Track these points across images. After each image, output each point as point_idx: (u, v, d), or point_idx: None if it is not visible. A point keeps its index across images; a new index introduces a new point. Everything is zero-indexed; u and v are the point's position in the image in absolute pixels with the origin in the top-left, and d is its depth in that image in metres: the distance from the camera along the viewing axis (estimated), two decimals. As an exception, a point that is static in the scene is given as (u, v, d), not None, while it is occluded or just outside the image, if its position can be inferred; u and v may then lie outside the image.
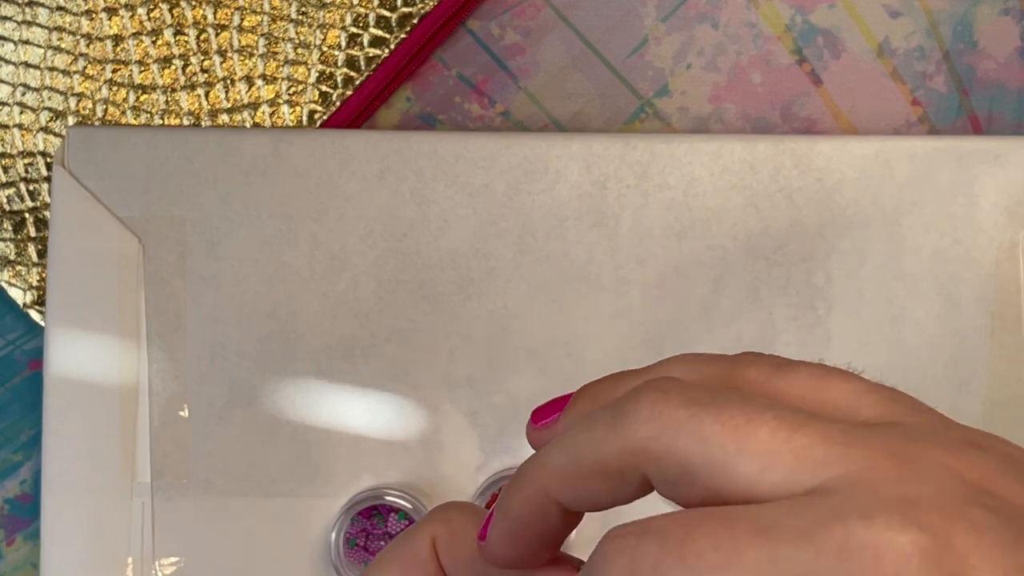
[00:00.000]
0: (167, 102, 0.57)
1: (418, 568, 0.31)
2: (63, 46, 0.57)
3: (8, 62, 0.57)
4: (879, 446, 0.23)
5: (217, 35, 0.57)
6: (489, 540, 0.28)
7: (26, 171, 0.57)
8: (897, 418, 0.25)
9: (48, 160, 0.57)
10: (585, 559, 0.26)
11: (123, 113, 0.57)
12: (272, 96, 0.57)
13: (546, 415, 0.30)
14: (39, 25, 0.57)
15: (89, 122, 0.57)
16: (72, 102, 0.57)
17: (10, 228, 0.57)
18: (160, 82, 0.57)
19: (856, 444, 0.23)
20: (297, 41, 0.57)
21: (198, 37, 0.57)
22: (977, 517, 0.22)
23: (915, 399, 0.26)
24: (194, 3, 0.57)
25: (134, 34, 0.57)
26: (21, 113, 0.57)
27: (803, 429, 0.23)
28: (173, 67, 0.57)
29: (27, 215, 0.57)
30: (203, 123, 0.57)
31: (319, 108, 0.57)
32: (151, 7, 0.57)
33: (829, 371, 0.26)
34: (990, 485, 0.23)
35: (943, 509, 0.22)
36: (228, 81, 0.57)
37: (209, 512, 0.54)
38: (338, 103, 0.57)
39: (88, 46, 0.57)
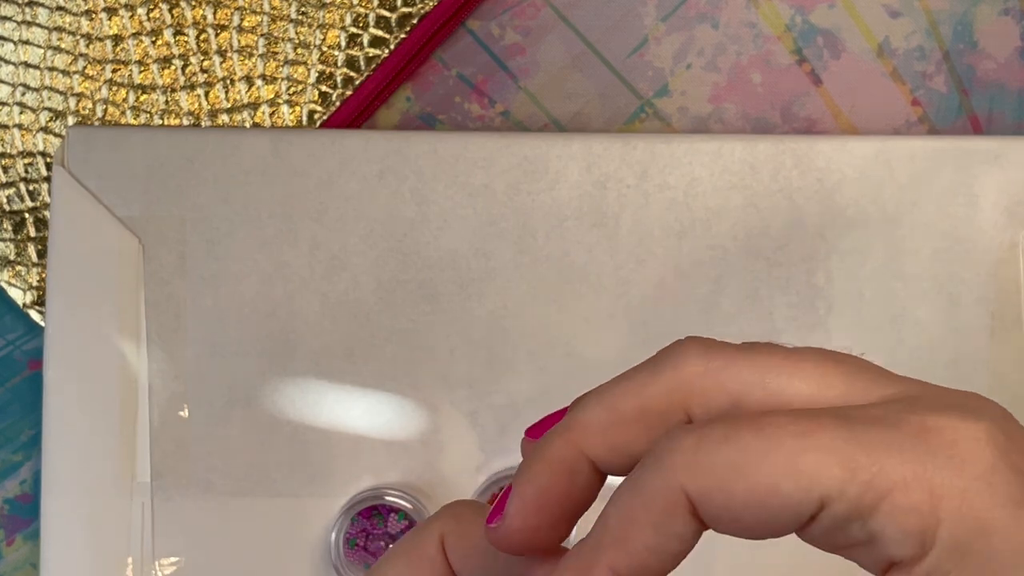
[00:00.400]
0: (167, 102, 0.57)
1: (426, 564, 0.30)
2: (63, 46, 0.57)
3: (8, 62, 0.57)
4: (918, 381, 0.25)
5: (217, 35, 0.57)
6: (506, 516, 0.27)
7: (26, 171, 0.57)
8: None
9: (48, 160, 0.57)
10: None
11: (123, 113, 0.57)
12: (272, 96, 0.57)
13: (541, 429, 0.29)
14: (39, 25, 0.57)
15: (89, 122, 0.57)
16: (72, 102, 0.57)
17: (10, 228, 0.57)
18: (160, 82, 0.57)
19: (899, 378, 0.25)
20: (297, 41, 0.57)
21: (198, 37, 0.57)
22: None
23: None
24: (194, 3, 0.57)
25: (134, 34, 0.57)
26: (21, 113, 0.57)
27: (848, 360, 0.25)
28: (173, 67, 0.57)
29: (27, 215, 0.57)
30: (203, 123, 0.57)
31: (319, 108, 0.57)
32: (151, 7, 0.57)
33: (826, 354, 0.27)
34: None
35: (996, 417, 0.24)
36: (228, 81, 0.57)
37: (209, 512, 0.54)
38: (338, 103, 0.57)
39: (88, 46, 0.57)
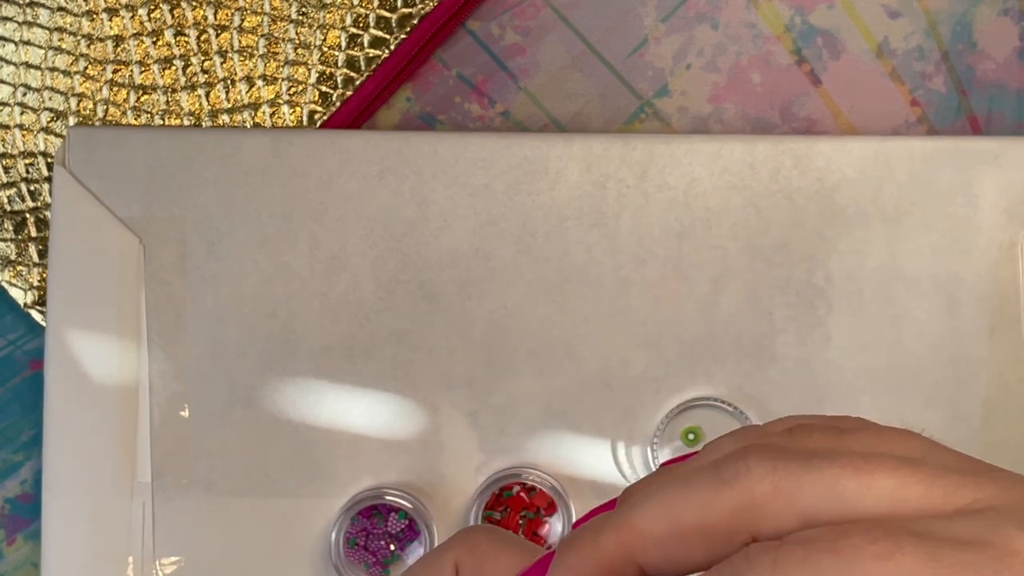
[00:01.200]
0: (168, 102, 0.57)
1: None
2: (64, 47, 0.57)
3: (9, 62, 0.57)
4: (1001, 476, 0.24)
5: (217, 36, 0.57)
6: None
7: (27, 171, 0.57)
8: (976, 469, 0.25)
9: (49, 160, 0.57)
10: None
11: (124, 113, 0.57)
12: (272, 96, 0.57)
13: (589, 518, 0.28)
14: (40, 26, 0.57)
15: (90, 122, 0.57)
16: (73, 102, 0.57)
17: (11, 228, 0.57)
18: (161, 82, 0.57)
19: (981, 475, 0.24)
20: (297, 42, 0.57)
21: (199, 38, 0.57)
22: None
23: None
24: (195, 4, 0.57)
25: (135, 35, 0.57)
26: (22, 113, 0.57)
27: (923, 466, 0.24)
28: (174, 67, 0.57)
29: (28, 215, 0.57)
30: (203, 123, 0.57)
31: (319, 108, 0.57)
32: (152, 8, 0.57)
33: (894, 430, 0.26)
34: None
35: None
36: (228, 81, 0.57)
37: (209, 512, 0.54)
38: (338, 103, 0.57)
39: (89, 47, 0.57)
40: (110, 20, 0.57)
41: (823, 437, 0.26)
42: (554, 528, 0.54)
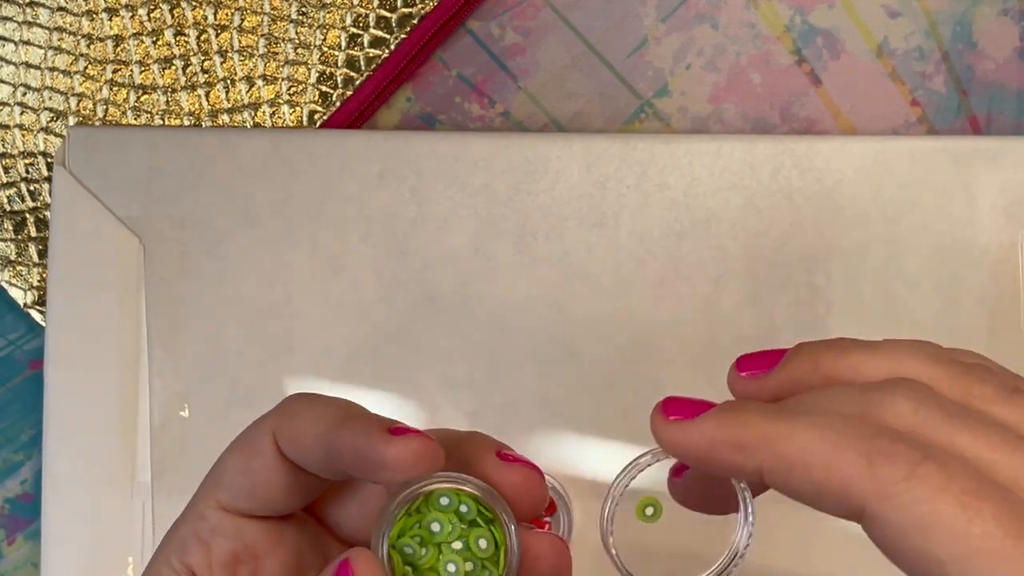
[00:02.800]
0: (168, 102, 0.57)
1: (258, 458, 0.33)
2: (64, 46, 0.57)
3: (9, 62, 0.57)
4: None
5: (217, 35, 0.57)
6: (695, 429, 0.29)
7: (27, 171, 0.57)
8: None
9: (49, 160, 0.57)
10: None
11: (124, 113, 0.57)
12: (272, 96, 0.57)
13: (754, 367, 0.32)
14: (40, 26, 0.57)
15: (90, 122, 0.57)
16: (73, 102, 0.57)
17: (11, 228, 0.57)
18: (161, 82, 0.57)
19: None
20: (297, 41, 0.57)
21: (198, 37, 0.57)
22: None
23: None
24: (195, 4, 0.57)
25: (135, 34, 0.57)
26: (22, 113, 0.57)
27: (1021, 525, 0.26)
28: (173, 67, 0.57)
29: (28, 215, 0.57)
30: (203, 123, 0.57)
31: (319, 108, 0.57)
32: (152, 8, 0.57)
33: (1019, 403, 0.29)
34: None
35: None
36: (228, 81, 0.57)
37: (209, 512, 0.54)
38: (338, 103, 0.57)
39: (89, 46, 0.57)
40: (110, 20, 0.57)
41: (994, 391, 0.29)
42: (554, 528, 0.54)
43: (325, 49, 0.57)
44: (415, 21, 0.57)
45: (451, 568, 0.32)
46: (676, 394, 0.31)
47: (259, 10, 0.57)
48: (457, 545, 0.32)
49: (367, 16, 0.57)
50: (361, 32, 0.57)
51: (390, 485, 0.32)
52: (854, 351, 0.31)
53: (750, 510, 0.30)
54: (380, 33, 0.57)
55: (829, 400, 0.28)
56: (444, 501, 0.32)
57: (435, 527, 0.32)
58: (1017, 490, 0.26)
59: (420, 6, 0.57)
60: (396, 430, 0.31)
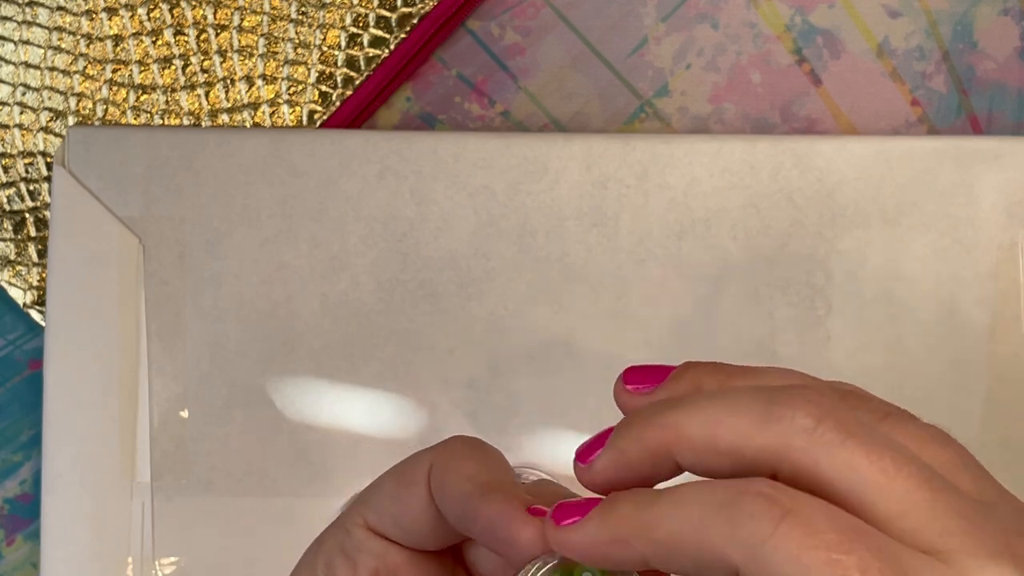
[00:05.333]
0: (167, 102, 0.57)
1: (410, 488, 0.33)
2: (63, 46, 0.57)
3: (8, 62, 0.57)
4: (991, 529, 0.27)
5: (217, 35, 0.57)
6: (593, 467, 0.31)
7: (26, 171, 0.57)
8: (990, 498, 0.28)
9: (48, 160, 0.57)
10: None
11: (123, 113, 0.57)
12: (272, 96, 0.57)
13: (640, 381, 0.33)
14: (39, 25, 0.57)
15: (89, 122, 0.57)
16: (72, 102, 0.57)
17: (10, 228, 0.57)
18: (160, 82, 0.57)
19: (976, 523, 0.27)
20: (297, 41, 0.57)
21: (198, 37, 0.57)
22: None
23: (991, 478, 0.29)
24: (194, 3, 0.57)
25: (134, 34, 0.57)
26: (21, 113, 0.57)
27: (940, 494, 0.27)
28: (173, 67, 0.57)
29: (27, 215, 0.57)
30: (203, 123, 0.57)
31: (319, 108, 0.57)
32: (151, 7, 0.57)
33: (932, 432, 0.29)
34: None
35: None
36: (228, 81, 0.57)
37: (209, 512, 0.54)
38: (338, 103, 0.57)
39: (88, 46, 0.57)
40: (109, 19, 0.57)
41: (868, 415, 0.29)
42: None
43: (325, 49, 0.57)
44: (415, 21, 0.57)
45: None
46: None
47: (259, 10, 0.57)
48: None
49: (367, 16, 0.57)
50: (361, 32, 0.57)
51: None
52: (737, 377, 0.31)
53: None
54: (380, 33, 0.57)
55: (732, 403, 0.28)
56: None
57: None
58: (891, 529, 0.26)
59: (420, 6, 0.57)
60: (534, 510, 0.32)
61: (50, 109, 0.57)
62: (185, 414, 0.54)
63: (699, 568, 0.27)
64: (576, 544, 0.30)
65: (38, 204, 0.57)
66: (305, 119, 0.57)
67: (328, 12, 0.57)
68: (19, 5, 0.57)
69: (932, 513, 0.26)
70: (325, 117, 0.57)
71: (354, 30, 0.57)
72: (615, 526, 0.29)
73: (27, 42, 0.57)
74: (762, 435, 0.27)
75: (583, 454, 0.31)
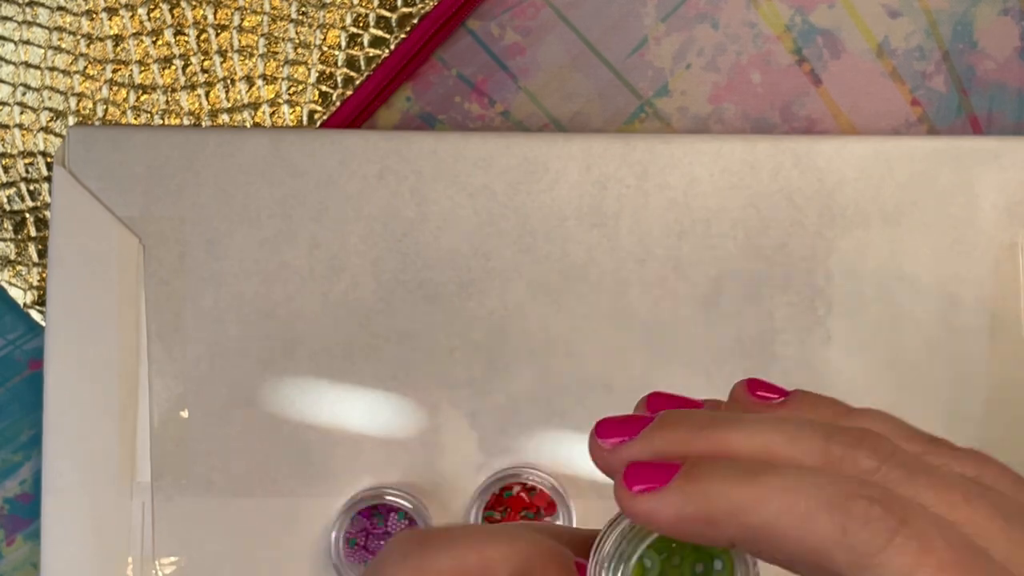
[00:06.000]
0: (167, 102, 0.57)
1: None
2: (63, 46, 0.57)
3: (8, 62, 0.57)
4: None
5: (217, 35, 0.57)
6: (617, 453, 0.29)
7: (26, 171, 0.57)
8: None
9: (48, 160, 0.57)
10: None
11: (123, 113, 0.57)
12: (272, 96, 0.57)
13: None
14: (39, 25, 0.57)
15: (89, 122, 0.57)
16: (72, 102, 0.57)
17: (10, 228, 0.57)
18: (160, 82, 0.57)
19: None
20: (297, 41, 0.57)
21: (198, 37, 0.57)
22: None
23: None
24: (194, 3, 0.57)
25: (134, 34, 0.57)
26: (21, 113, 0.57)
27: (1014, 520, 0.26)
28: (173, 67, 0.57)
29: (27, 215, 0.57)
30: (203, 123, 0.57)
31: (319, 108, 0.57)
32: (151, 7, 0.57)
33: (974, 455, 0.29)
34: None
35: None
36: (228, 81, 0.57)
37: (209, 512, 0.54)
38: (338, 103, 0.57)
39: (88, 46, 0.57)
40: (109, 19, 0.57)
41: (917, 445, 0.28)
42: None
43: (325, 49, 0.57)
44: (415, 21, 0.57)
45: None
46: (662, 391, 0.31)
47: (259, 9, 0.57)
48: None
49: (367, 16, 0.57)
50: (361, 32, 0.57)
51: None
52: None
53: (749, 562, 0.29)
54: (380, 33, 0.57)
55: (791, 444, 0.27)
56: (717, 566, 0.30)
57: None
58: (991, 553, 0.25)
59: (420, 6, 0.57)
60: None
61: (50, 109, 0.57)
62: (185, 414, 0.54)
63: (792, 562, 0.26)
64: (654, 516, 0.27)
65: (38, 204, 0.57)
66: (305, 119, 0.57)
67: (328, 12, 0.57)
68: (19, 5, 0.57)
69: (1011, 543, 0.26)
70: (325, 117, 0.57)
71: (354, 30, 0.57)
72: (703, 503, 0.27)
73: (27, 42, 0.57)
74: (841, 553, 0.25)
75: (607, 431, 0.30)
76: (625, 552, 0.29)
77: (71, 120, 0.57)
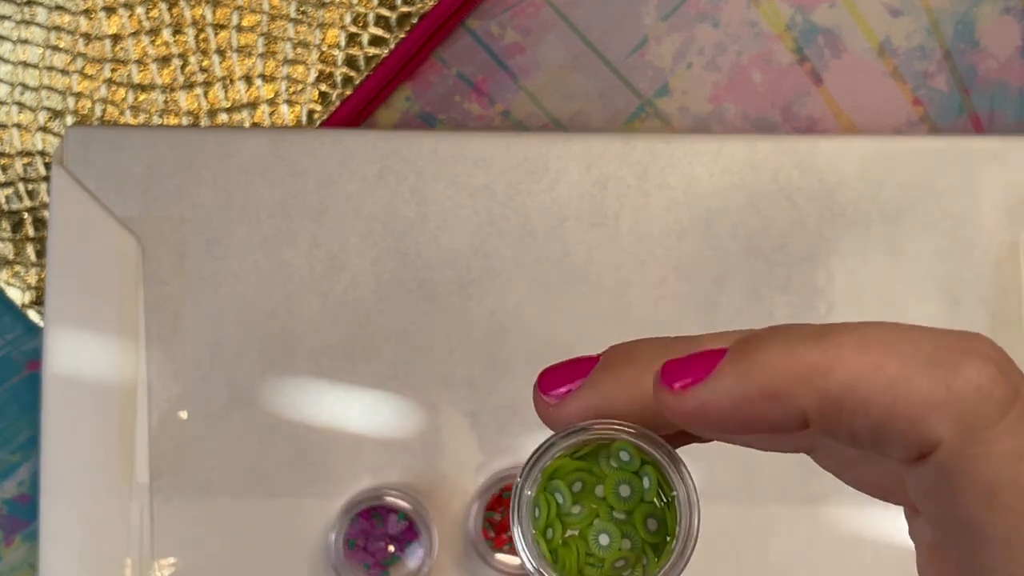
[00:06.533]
0: (166, 101, 0.57)
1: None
2: (61, 45, 0.57)
3: (6, 61, 0.57)
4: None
5: (216, 34, 0.57)
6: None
7: (24, 171, 0.57)
8: None
9: (46, 160, 0.57)
10: None
11: (122, 112, 0.57)
12: (271, 96, 0.57)
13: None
14: (37, 24, 0.57)
15: (88, 121, 0.57)
16: (71, 101, 0.57)
17: (8, 228, 0.57)
18: (159, 81, 0.57)
19: None
20: (296, 40, 0.57)
21: (197, 36, 0.57)
22: None
23: None
24: (193, 2, 0.57)
25: (133, 33, 0.57)
26: (20, 112, 0.57)
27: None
28: (172, 66, 0.57)
29: (25, 215, 0.57)
30: (202, 122, 0.57)
31: (318, 108, 0.57)
32: (150, 6, 0.57)
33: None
34: None
35: None
36: (227, 80, 0.57)
37: (208, 512, 0.54)
38: (337, 103, 0.57)
39: (87, 45, 0.57)
40: (108, 18, 0.57)
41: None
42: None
43: (324, 48, 0.57)
44: (415, 20, 0.57)
45: (603, 540, 0.26)
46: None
47: (258, 9, 0.57)
48: (620, 515, 0.26)
49: (366, 15, 0.57)
50: (360, 31, 0.57)
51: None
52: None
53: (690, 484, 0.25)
54: (379, 32, 0.57)
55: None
56: (624, 457, 0.26)
57: (599, 490, 0.26)
58: None
59: (420, 5, 0.57)
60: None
61: (48, 108, 0.57)
62: (184, 415, 0.54)
63: (876, 437, 0.21)
64: (708, 409, 0.23)
65: (36, 204, 0.57)
66: (305, 119, 0.57)
67: (328, 11, 0.57)
68: (17, 4, 0.57)
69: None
70: (324, 117, 0.57)
71: (354, 29, 0.57)
72: (763, 377, 0.22)
73: (25, 41, 0.57)
74: (944, 420, 0.21)
75: (550, 382, 0.26)
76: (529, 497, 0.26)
77: (69, 120, 0.57)
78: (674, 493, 0.25)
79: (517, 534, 0.26)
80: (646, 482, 0.26)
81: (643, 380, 0.24)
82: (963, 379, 0.21)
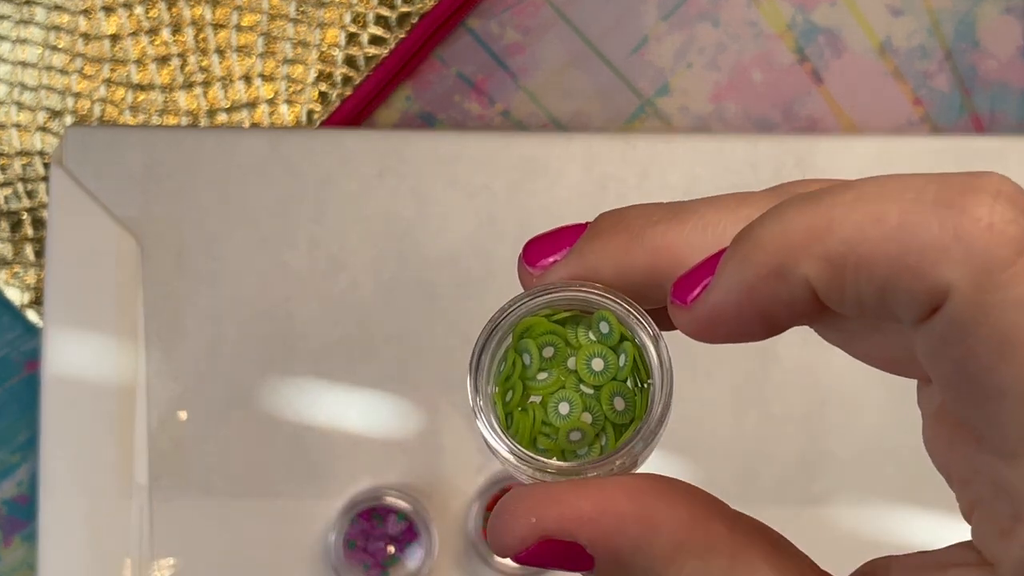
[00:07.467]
0: (165, 101, 0.57)
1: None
2: (60, 45, 0.57)
3: (5, 61, 0.57)
4: None
5: (215, 34, 0.57)
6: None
7: (23, 171, 0.57)
8: None
9: (45, 160, 0.57)
10: None
11: (121, 112, 0.57)
12: (271, 95, 0.57)
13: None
14: (36, 24, 0.57)
15: (87, 121, 0.57)
16: (70, 101, 0.57)
17: (7, 228, 0.57)
18: (158, 81, 0.57)
19: None
20: (296, 40, 0.57)
21: (196, 36, 0.57)
22: None
23: None
24: (192, 2, 0.57)
25: (132, 33, 0.57)
26: (18, 112, 0.57)
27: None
28: (171, 66, 0.57)
29: (24, 215, 0.57)
30: (201, 122, 0.57)
31: (318, 107, 0.57)
32: (149, 6, 0.57)
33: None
34: None
35: None
36: (226, 80, 0.57)
37: (207, 513, 0.54)
38: (337, 102, 0.57)
39: (86, 45, 0.57)
40: (107, 18, 0.57)
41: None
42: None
43: (324, 48, 0.57)
44: (414, 20, 0.57)
45: (563, 409, 0.24)
46: None
47: (257, 8, 0.57)
48: (588, 390, 0.24)
49: (366, 15, 0.57)
50: (360, 31, 0.57)
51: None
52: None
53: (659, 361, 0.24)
54: (379, 32, 0.57)
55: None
56: (603, 328, 0.24)
57: (571, 363, 0.24)
58: None
59: (419, 5, 0.56)
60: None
61: (47, 108, 0.57)
62: (184, 415, 0.54)
63: (883, 298, 0.20)
64: (721, 313, 0.21)
65: (35, 204, 0.57)
66: (304, 118, 0.57)
67: (327, 11, 0.57)
68: (16, 4, 0.57)
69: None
70: (324, 116, 0.57)
71: (353, 29, 0.57)
72: (761, 254, 0.20)
73: (24, 41, 0.57)
74: (954, 266, 0.19)
75: (535, 253, 0.24)
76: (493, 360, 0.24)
77: (68, 119, 0.57)
78: (650, 381, 0.24)
79: (471, 385, 0.24)
80: (622, 359, 0.24)
81: (633, 247, 0.23)
82: (972, 219, 0.19)
